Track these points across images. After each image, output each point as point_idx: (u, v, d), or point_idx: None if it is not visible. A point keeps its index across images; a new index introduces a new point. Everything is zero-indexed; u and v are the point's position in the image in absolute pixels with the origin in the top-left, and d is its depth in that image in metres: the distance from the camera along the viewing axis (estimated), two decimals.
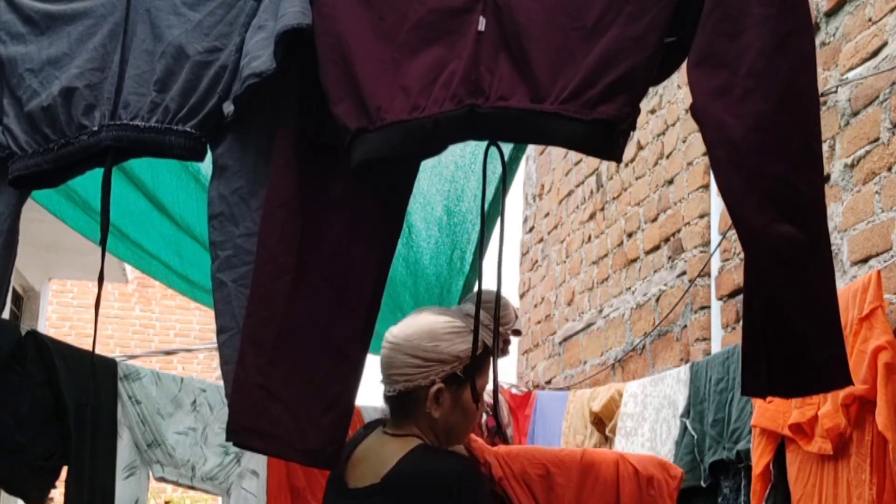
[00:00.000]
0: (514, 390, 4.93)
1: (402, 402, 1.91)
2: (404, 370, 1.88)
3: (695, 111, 1.55)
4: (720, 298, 3.53)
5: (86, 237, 3.15)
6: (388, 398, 1.95)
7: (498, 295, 1.75)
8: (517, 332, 1.99)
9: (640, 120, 1.68)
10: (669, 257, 4.04)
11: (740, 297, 3.35)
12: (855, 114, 2.81)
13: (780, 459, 2.61)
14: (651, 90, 1.71)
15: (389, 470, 1.82)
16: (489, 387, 1.99)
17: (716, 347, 3.51)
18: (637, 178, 4.47)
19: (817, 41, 2.96)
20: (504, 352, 1.99)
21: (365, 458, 1.89)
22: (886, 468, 2.27)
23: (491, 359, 1.96)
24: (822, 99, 2.89)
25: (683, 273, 3.87)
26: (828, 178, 2.89)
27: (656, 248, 4.18)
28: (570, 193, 5.38)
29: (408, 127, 1.65)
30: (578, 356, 4.98)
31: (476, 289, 1.96)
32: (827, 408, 2.40)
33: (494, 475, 1.92)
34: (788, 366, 1.51)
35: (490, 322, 1.95)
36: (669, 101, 4.17)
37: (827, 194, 1.70)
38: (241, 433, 1.76)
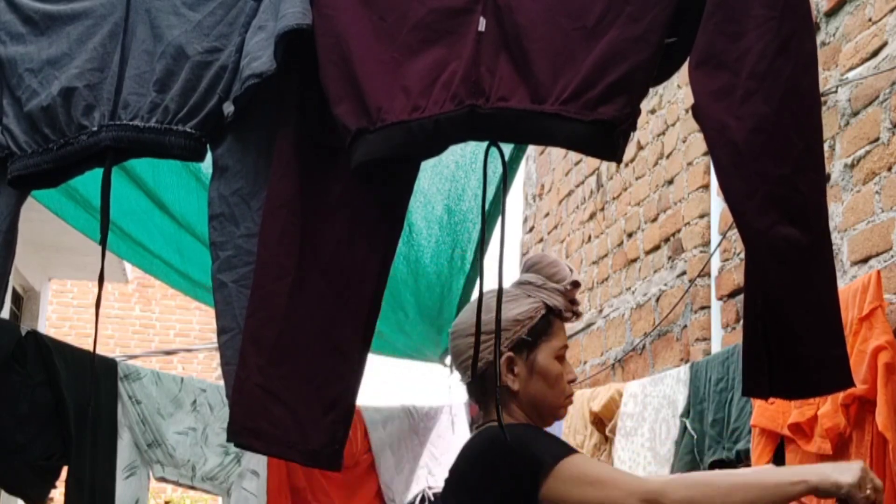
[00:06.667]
0: None
1: (481, 388, 1.89)
2: (469, 352, 1.86)
3: (696, 112, 1.56)
4: (720, 298, 3.53)
5: (86, 236, 3.15)
6: (469, 392, 1.93)
7: (499, 296, 1.74)
8: (577, 284, 1.93)
9: (640, 120, 1.67)
10: (669, 257, 4.04)
11: (740, 297, 3.35)
12: (855, 114, 2.81)
13: (780, 459, 2.61)
14: (651, 90, 1.71)
15: (453, 464, 1.84)
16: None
17: (716, 347, 3.51)
18: (637, 178, 4.47)
19: (817, 41, 2.96)
20: (576, 313, 1.93)
21: None
22: (886, 468, 2.27)
23: (559, 322, 1.90)
24: (822, 99, 2.89)
25: (683, 273, 3.87)
26: (828, 178, 2.89)
27: (656, 248, 4.18)
28: (570, 193, 5.38)
29: (408, 127, 1.66)
30: (578, 356, 4.98)
31: (477, 287, 1.96)
32: (826, 408, 2.40)
33: None
34: (790, 367, 1.52)
35: (545, 282, 1.90)
36: (669, 101, 4.17)
37: (827, 194, 1.71)
38: (242, 433, 1.76)
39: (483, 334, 1.81)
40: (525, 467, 1.72)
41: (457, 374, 1.97)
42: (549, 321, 1.89)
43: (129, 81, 1.93)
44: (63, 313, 10.95)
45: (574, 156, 5.28)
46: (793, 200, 1.49)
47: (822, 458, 2.45)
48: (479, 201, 2.87)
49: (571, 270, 1.92)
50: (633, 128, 1.61)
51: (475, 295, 1.93)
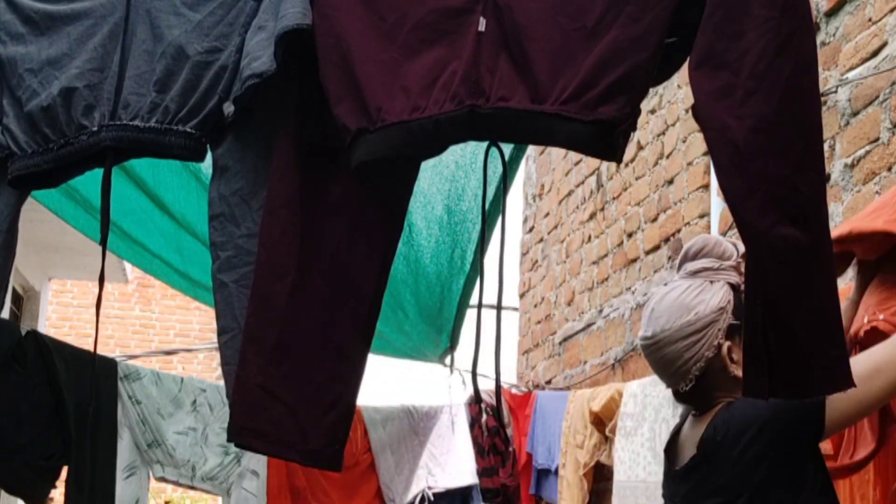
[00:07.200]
0: (514, 390, 4.93)
1: (703, 386, 1.85)
2: (685, 356, 1.84)
3: (696, 112, 1.55)
4: None
5: (86, 236, 3.15)
6: (688, 395, 1.87)
7: (499, 296, 1.74)
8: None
9: (640, 120, 1.67)
10: (669, 257, 4.04)
11: None
12: (855, 114, 2.81)
13: None
14: (651, 90, 1.71)
15: (701, 437, 1.79)
16: (491, 386, 1.97)
17: None
18: (637, 178, 4.47)
19: (817, 41, 2.96)
20: None
21: (684, 441, 1.88)
22: (889, 469, 2.26)
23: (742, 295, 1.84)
24: (822, 99, 2.89)
25: None
26: (828, 178, 2.88)
27: (656, 248, 4.18)
28: (570, 193, 5.38)
29: (408, 127, 1.66)
30: (578, 356, 4.98)
31: (478, 287, 1.95)
32: None
33: None
34: (790, 367, 1.51)
35: (720, 264, 1.86)
36: (669, 101, 4.17)
37: (827, 194, 1.71)
38: (242, 434, 1.77)
39: (694, 334, 1.81)
40: (801, 414, 1.71)
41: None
42: (739, 297, 1.84)
43: (130, 81, 1.93)
44: (63, 313, 10.95)
45: (574, 156, 5.28)
46: (793, 200, 1.49)
47: (824, 458, 2.45)
48: (479, 201, 2.86)
49: (734, 244, 1.88)
50: (633, 128, 1.61)
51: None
